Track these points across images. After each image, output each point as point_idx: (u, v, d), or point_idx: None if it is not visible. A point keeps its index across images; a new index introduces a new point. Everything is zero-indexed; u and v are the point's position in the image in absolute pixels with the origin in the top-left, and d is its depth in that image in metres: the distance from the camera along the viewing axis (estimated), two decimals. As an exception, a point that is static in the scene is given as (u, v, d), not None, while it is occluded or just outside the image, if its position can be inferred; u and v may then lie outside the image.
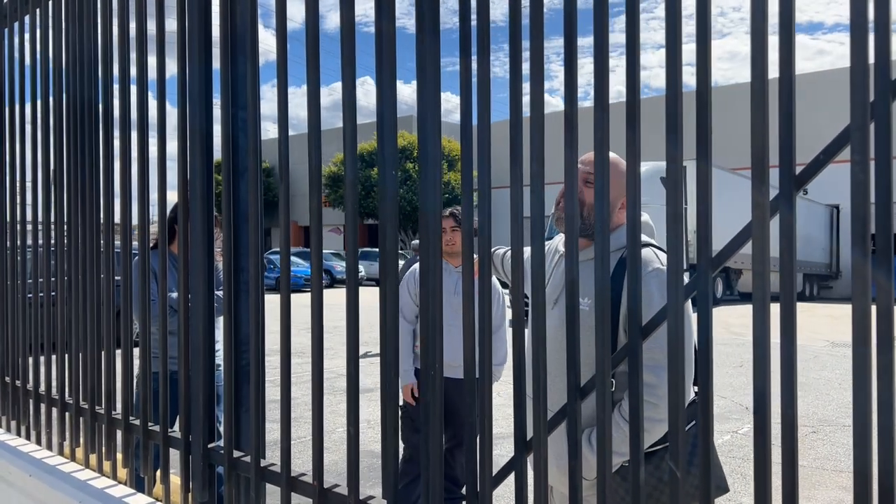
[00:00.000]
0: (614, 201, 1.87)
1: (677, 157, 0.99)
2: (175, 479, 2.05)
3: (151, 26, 2.01)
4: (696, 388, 1.83)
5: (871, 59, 0.86)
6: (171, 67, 1.96)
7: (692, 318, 1.77)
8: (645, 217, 1.94)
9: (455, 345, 2.87)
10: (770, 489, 0.93)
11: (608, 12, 1.10)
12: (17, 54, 2.69)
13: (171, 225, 3.06)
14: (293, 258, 23.57)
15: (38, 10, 2.55)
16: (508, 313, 3.84)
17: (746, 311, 15.21)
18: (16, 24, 2.72)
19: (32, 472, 2.23)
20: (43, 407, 2.50)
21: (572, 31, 1.18)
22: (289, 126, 1.67)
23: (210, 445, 1.85)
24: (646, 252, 1.76)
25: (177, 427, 2.02)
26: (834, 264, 26.07)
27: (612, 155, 1.75)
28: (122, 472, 2.25)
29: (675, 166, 0.99)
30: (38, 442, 2.55)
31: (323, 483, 1.54)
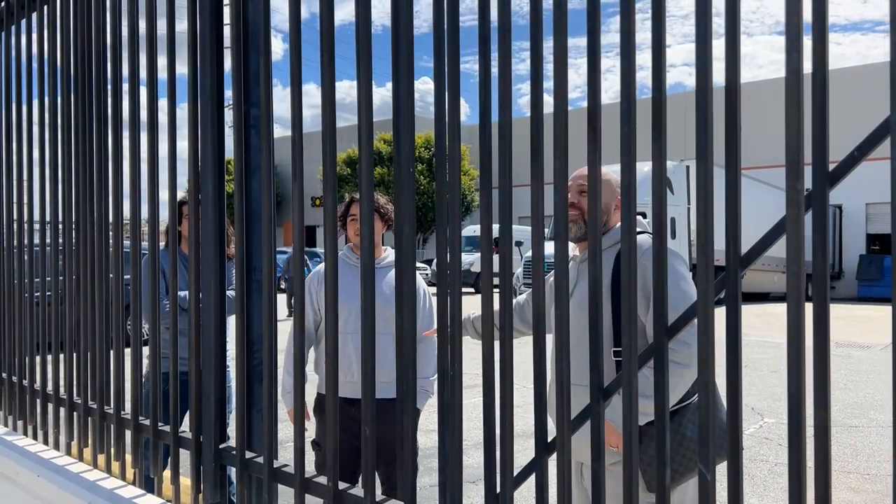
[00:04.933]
0: (607, 205, 2.23)
1: (707, 156, 0.97)
2: (185, 481, 2.04)
3: (161, 25, 2.00)
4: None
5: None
6: (180, 66, 1.95)
7: (693, 291, 2.07)
8: (638, 218, 2.17)
9: (381, 357, 2.51)
10: (805, 492, 0.91)
11: (634, 12, 1.09)
12: (24, 52, 2.68)
13: (180, 208, 3.02)
14: (295, 258, 23.40)
15: (45, 7, 2.54)
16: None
17: (750, 310, 15.19)
18: (23, 22, 2.70)
19: (41, 473, 2.21)
20: (51, 407, 2.48)
21: (595, 28, 1.16)
22: (294, 126, 1.65)
23: (221, 446, 1.83)
24: (642, 238, 2.06)
25: (186, 427, 2.01)
26: (836, 265, 26.04)
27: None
28: (130, 473, 2.23)
29: (705, 165, 0.97)
30: (46, 442, 2.53)
31: (338, 484, 1.52)
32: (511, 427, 1.25)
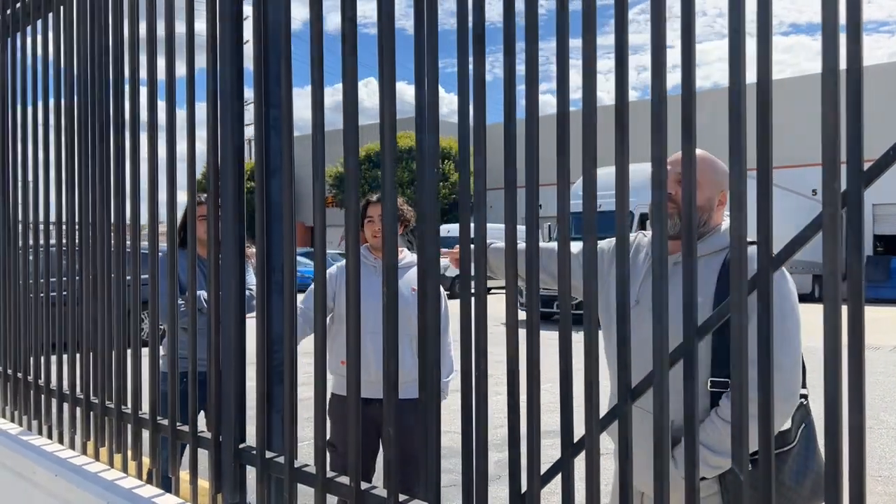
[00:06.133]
0: (710, 200, 1.83)
1: (741, 149, 0.97)
2: (202, 483, 2.04)
3: (180, 27, 2.00)
4: (804, 391, 1.78)
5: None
6: (197, 67, 1.95)
7: (798, 316, 1.73)
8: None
9: (399, 357, 2.53)
10: (841, 496, 0.91)
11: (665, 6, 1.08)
12: (40, 52, 2.69)
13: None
14: (300, 258, 23.44)
15: (62, 8, 2.55)
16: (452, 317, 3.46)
17: (756, 312, 15.08)
18: (38, 22, 2.71)
19: (58, 472, 2.22)
20: (66, 406, 2.49)
21: (623, 24, 1.16)
22: (295, 127, 1.65)
23: (241, 446, 1.83)
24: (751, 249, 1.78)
25: (202, 425, 2.01)
26: (842, 265, 25.95)
27: (701, 151, 1.75)
28: (145, 472, 2.23)
29: (739, 158, 0.97)
30: (61, 441, 2.54)
31: (360, 484, 1.52)
32: (538, 425, 1.25)
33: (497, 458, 4.58)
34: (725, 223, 1.89)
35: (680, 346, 1.09)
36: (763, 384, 0.99)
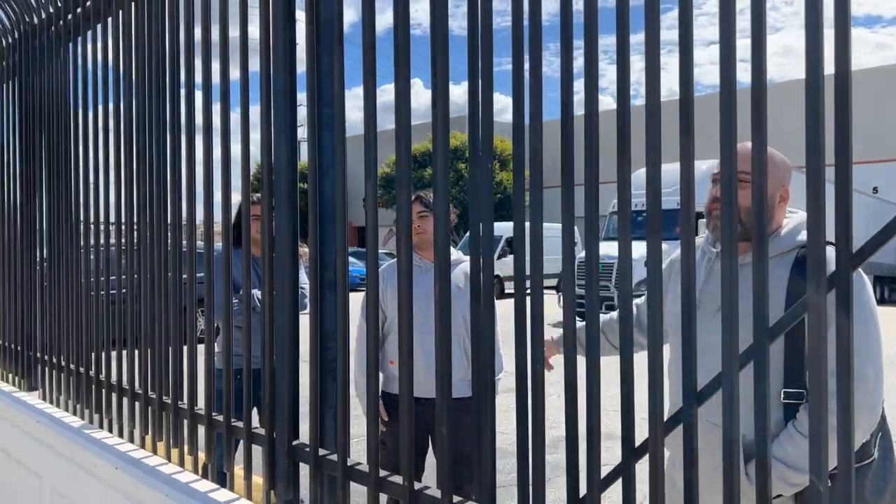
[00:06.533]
0: (772, 198, 1.70)
1: (819, 148, 0.92)
2: (256, 479, 2.07)
3: (234, 31, 2.03)
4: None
5: None
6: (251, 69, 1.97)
7: (878, 323, 1.61)
8: (804, 215, 1.77)
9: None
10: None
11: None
12: (100, 58, 2.77)
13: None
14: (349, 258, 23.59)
15: (121, 12, 2.62)
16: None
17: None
18: (98, 27, 2.80)
19: (119, 466, 2.28)
20: (126, 401, 2.56)
21: (688, 18, 1.12)
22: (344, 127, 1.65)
23: (294, 443, 1.85)
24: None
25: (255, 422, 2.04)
26: None
27: None
28: (197, 465, 2.27)
29: (818, 157, 0.92)
30: (121, 435, 2.61)
31: (413, 484, 1.51)
32: (598, 428, 1.22)
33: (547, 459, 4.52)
34: (788, 222, 1.77)
35: (749, 347, 1.05)
36: (843, 393, 0.94)
